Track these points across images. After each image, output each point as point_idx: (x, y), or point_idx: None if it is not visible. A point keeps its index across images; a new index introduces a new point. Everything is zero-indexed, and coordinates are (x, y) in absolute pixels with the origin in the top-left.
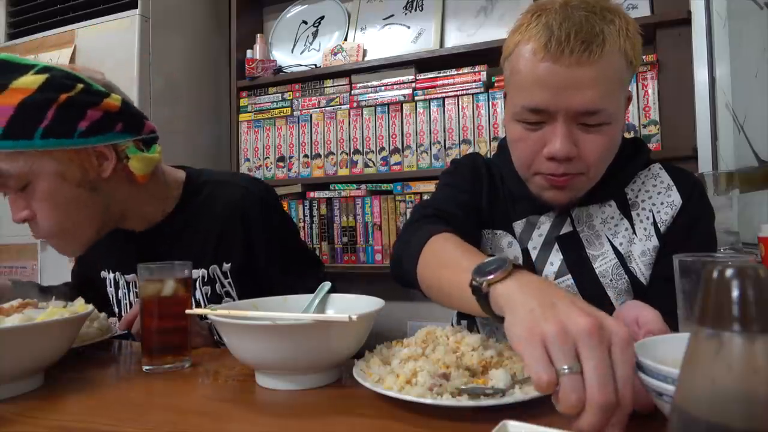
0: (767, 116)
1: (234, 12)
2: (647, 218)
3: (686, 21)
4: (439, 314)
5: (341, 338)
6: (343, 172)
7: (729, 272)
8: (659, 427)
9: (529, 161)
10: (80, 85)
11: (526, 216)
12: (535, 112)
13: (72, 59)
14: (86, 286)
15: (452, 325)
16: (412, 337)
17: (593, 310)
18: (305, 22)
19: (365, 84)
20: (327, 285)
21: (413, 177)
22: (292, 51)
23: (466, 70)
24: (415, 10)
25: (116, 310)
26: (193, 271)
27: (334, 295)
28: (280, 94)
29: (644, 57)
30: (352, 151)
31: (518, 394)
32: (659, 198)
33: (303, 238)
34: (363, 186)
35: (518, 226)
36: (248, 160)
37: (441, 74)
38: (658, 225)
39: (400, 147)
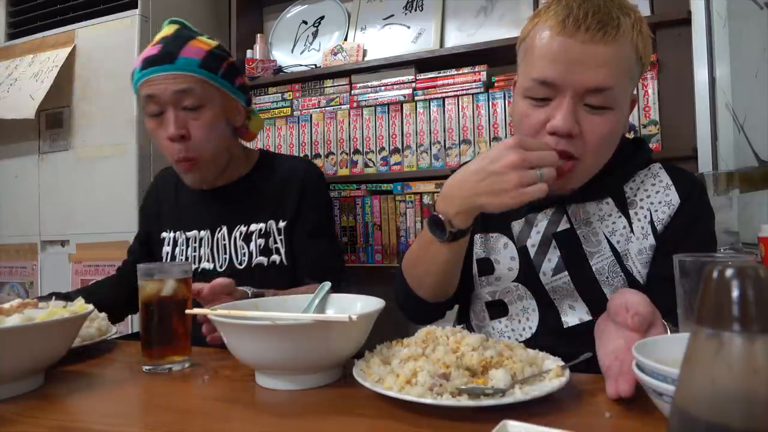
0: (767, 116)
1: (234, 12)
2: (645, 217)
3: (686, 21)
4: None
5: (341, 338)
6: (343, 172)
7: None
8: (659, 427)
9: (531, 137)
10: (232, 57)
11: (524, 215)
12: (544, 84)
13: (72, 59)
14: (145, 248)
15: (452, 325)
16: (412, 337)
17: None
18: (305, 22)
19: (365, 84)
20: (327, 285)
21: (413, 177)
22: (292, 51)
23: (466, 70)
24: (415, 10)
25: None
26: (252, 225)
27: (334, 295)
28: (280, 94)
29: None
30: (352, 151)
31: (518, 394)
32: (657, 197)
33: None
34: (363, 186)
35: (517, 225)
36: None
37: (441, 74)
38: (655, 224)
39: (400, 147)
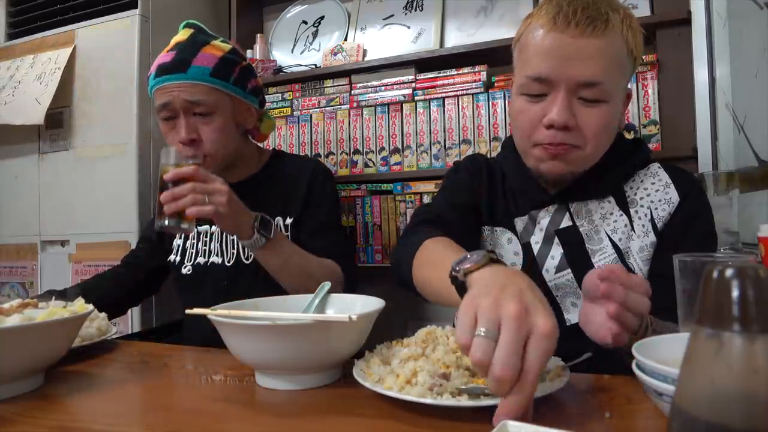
0: (767, 116)
1: (234, 12)
2: (645, 215)
3: (686, 21)
4: (439, 314)
5: (341, 338)
6: (343, 172)
7: (729, 272)
8: (659, 427)
9: (529, 132)
10: (246, 60)
11: (527, 211)
12: (539, 81)
13: (72, 59)
14: (153, 242)
15: (453, 325)
16: (412, 337)
17: (535, 302)
18: (305, 22)
19: (365, 84)
20: (327, 285)
21: (413, 177)
22: (292, 51)
23: (466, 70)
24: (415, 10)
25: (176, 258)
26: None
27: (334, 295)
28: (280, 94)
29: (644, 57)
30: (352, 151)
31: None
32: (657, 195)
33: None
34: (363, 186)
35: (520, 222)
36: None
37: (441, 74)
38: (656, 222)
39: (400, 147)
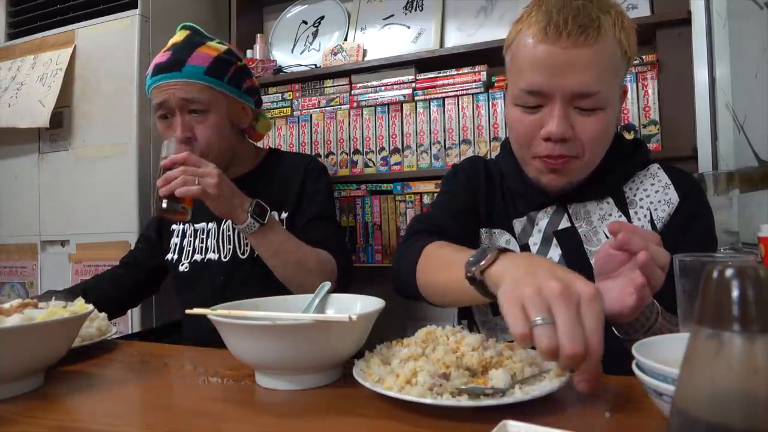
0: (767, 116)
1: (234, 12)
2: (645, 216)
3: (686, 21)
4: (439, 314)
5: (341, 338)
6: (343, 172)
7: (729, 272)
8: (659, 427)
9: (527, 143)
10: (242, 60)
11: (526, 213)
12: (533, 94)
13: (72, 59)
14: (152, 240)
15: (452, 325)
16: (412, 337)
17: (568, 275)
18: (305, 22)
19: (365, 84)
20: (327, 285)
21: (413, 177)
22: (292, 51)
23: (466, 70)
24: (415, 10)
25: (174, 256)
26: None
27: (334, 295)
28: (280, 94)
29: (644, 57)
30: (352, 151)
31: (518, 394)
32: (657, 196)
33: None
34: (363, 186)
35: (519, 223)
36: None
37: (441, 74)
38: (655, 222)
39: (400, 147)
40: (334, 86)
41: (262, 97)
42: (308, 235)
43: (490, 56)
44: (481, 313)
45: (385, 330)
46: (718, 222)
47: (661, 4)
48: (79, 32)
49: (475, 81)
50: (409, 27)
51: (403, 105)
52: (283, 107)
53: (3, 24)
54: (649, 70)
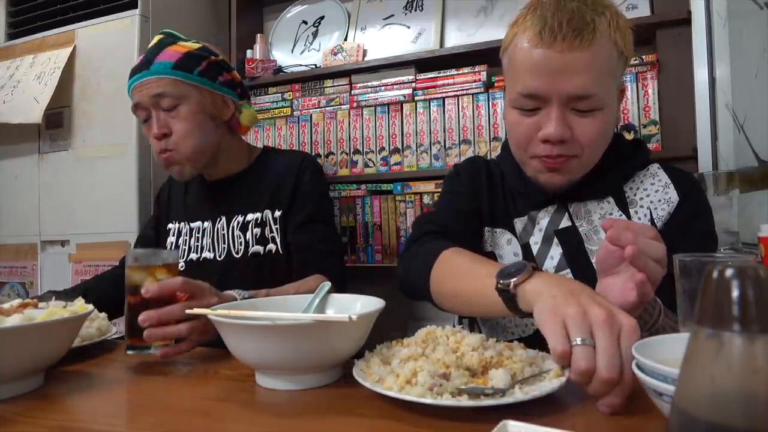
0: (767, 116)
1: (234, 12)
2: (645, 215)
3: (686, 21)
4: (439, 314)
5: (341, 338)
6: (343, 172)
7: (729, 272)
8: (659, 427)
9: (525, 145)
10: (221, 57)
11: (527, 212)
12: (530, 97)
13: (72, 59)
14: (150, 239)
15: (453, 325)
16: (412, 337)
17: (611, 304)
18: (305, 22)
19: (365, 84)
20: (327, 285)
21: (413, 177)
22: (292, 51)
23: (466, 70)
24: (415, 10)
25: None
26: (249, 214)
27: (334, 295)
28: (280, 94)
29: (644, 57)
30: (352, 151)
31: (518, 394)
32: (657, 195)
33: None
34: (363, 186)
35: (520, 222)
36: None
37: (441, 74)
38: (655, 221)
39: (400, 147)
40: (334, 86)
41: (262, 97)
42: (301, 240)
43: (490, 56)
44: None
45: (385, 330)
46: (718, 222)
47: (661, 4)
48: (79, 32)
49: (475, 81)
50: (409, 27)
51: (403, 105)
52: (283, 107)
53: (3, 24)
54: (649, 70)
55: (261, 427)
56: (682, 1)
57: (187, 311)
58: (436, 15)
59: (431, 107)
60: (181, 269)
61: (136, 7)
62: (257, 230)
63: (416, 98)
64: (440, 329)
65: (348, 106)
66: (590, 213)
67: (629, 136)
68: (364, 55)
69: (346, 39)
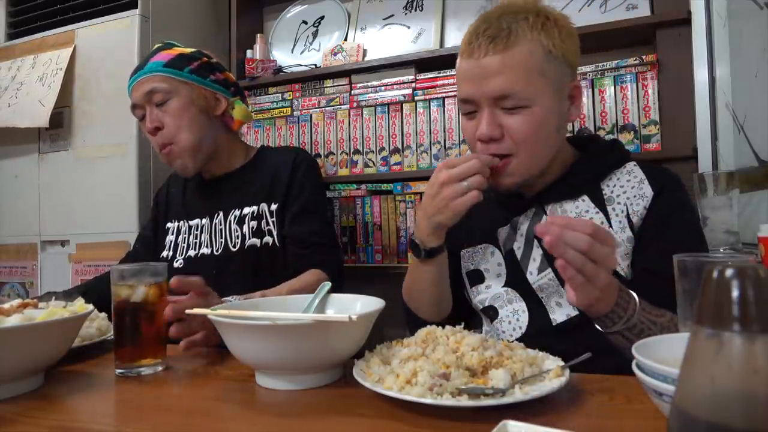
0: (767, 116)
1: (234, 12)
2: (622, 212)
3: (686, 21)
4: None
5: (341, 338)
6: (343, 172)
7: (729, 272)
8: (659, 427)
9: (473, 148)
10: (214, 59)
11: (509, 220)
12: (466, 102)
13: (72, 59)
14: (148, 239)
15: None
16: (412, 337)
17: None
18: (305, 22)
19: (365, 84)
20: (327, 285)
21: (413, 177)
22: (292, 51)
23: None
24: (415, 10)
25: (169, 253)
26: (245, 208)
27: (334, 295)
28: (280, 94)
29: (644, 57)
30: (352, 151)
31: (518, 394)
32: (633, 191)
33: None
34: (363, 186)
35: (503, 231)
36: None
37: (441, 74)
38: (631, 217)
39: (400, 147)
40: (334, 86)
41: (262, 97)
42: (295, 231)
43: None
44: (474, 325)
45: (385, 330)
46: (718, 222)
47: (661, 4)
48: (79, 32)
49: None
50: (409, 27)
51: (403, 105)
52: (283, 107)
53: (3, 24)
54: (649, 70)
55: (261, 427)
56: (682, 1)
57: (188, 311)
58: (436, 15)
59: (431, 107)
60: (180, 266)
61: (136, 7)
62: (254, 223)
63: (416, 98)
64: (440, 329)
65: (348, 106)
66: (567, 212)
67: (629, 136)
68: (364, 55)
69: (346, 39)
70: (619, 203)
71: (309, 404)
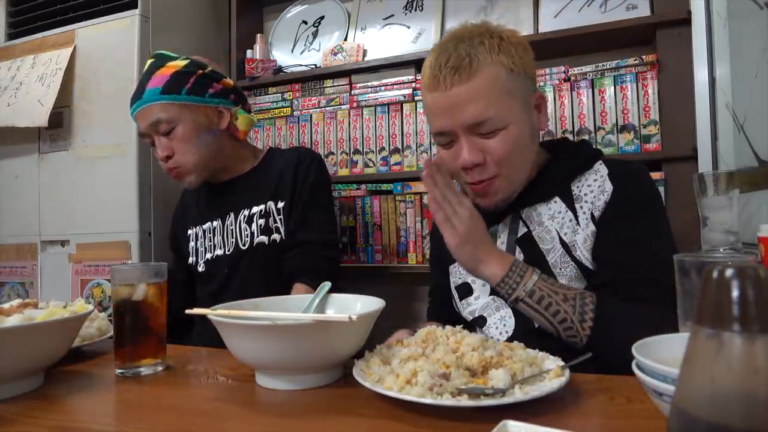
0: (767, 116)
1: (234, 12)
2: (588, 209)
3: (686, 21)
4: None
5: (341, 338)
6: (343, 172)
7: (729, 272)
8: (659, 427)
9: (456, 175)
10: (209, 68)
11: (488, 229)
12: (441, 135)
13: (72, 59)
14: (177, 247)
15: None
16: (412, 337)
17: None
18: (305, 22)
19: (365, 84)
20: (327, 285)
21: (413, 177)
22: (292, 51)
23: None
24: (415, 10)
25: (194, 259)
26: (254, 207)
27: (334, 295)
28: (280, 94)
29: (644, 57)
30: (352, 151)
31: (518, 394)
32: (598, 189)
33: None
34: (363, 186)
35: None
36: None
37: None
38: (594, 212)
39: (400, 147)
40: (334, 86)
41: (262, 97)
42: (296, 229)
43: None
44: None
45: (385, 330)
46: (718, 222)
47: (661, 4)
48: (79, 32)
49: None
50: (409, 27)
51: (403, 105)
52: (283, 107)
53: (3, 24)
54: (649, 70)
55: (261, 427)
56: (682, 1)
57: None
58: (436, 15)
59: None
60: (202, 270)
61: (136, 7)
62: (261, 221)
63: (416, 98)
64: (440, 329)
65: (348, 106)
66: (541, 215)
67: (629, 136)
68: (364, 55)
69: (346, 39)
70: (586, 201)
71: (309, 404)
